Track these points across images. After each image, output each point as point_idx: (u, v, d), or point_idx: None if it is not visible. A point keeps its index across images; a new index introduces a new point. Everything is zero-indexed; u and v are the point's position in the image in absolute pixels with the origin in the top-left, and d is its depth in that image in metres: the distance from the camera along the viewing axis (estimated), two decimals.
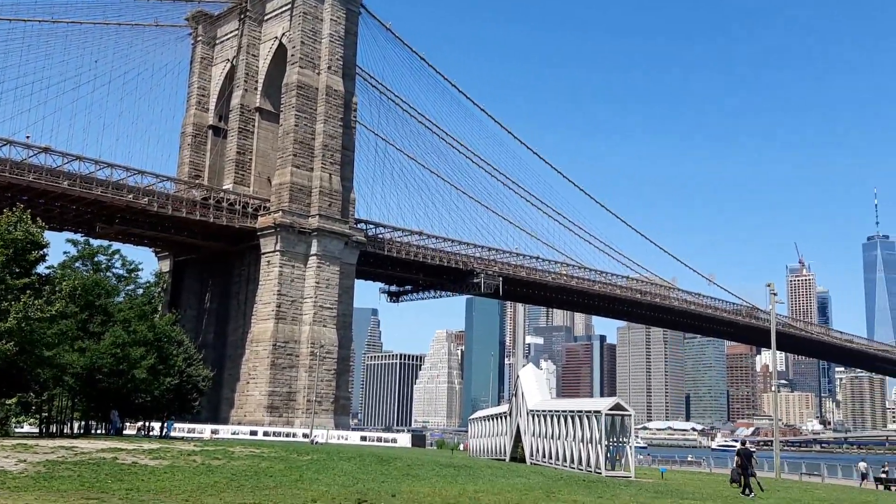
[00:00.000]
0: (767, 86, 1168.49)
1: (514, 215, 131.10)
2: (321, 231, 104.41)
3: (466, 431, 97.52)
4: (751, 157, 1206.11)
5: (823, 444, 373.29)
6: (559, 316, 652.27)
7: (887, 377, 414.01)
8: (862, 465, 64.10)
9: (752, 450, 42.98)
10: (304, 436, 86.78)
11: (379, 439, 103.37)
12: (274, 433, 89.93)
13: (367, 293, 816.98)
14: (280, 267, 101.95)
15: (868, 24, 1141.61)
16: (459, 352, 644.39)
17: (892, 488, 50.71)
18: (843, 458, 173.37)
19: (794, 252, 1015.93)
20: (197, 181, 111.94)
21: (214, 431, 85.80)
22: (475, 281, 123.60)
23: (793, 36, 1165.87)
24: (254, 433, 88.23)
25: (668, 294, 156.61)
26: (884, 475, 56.04)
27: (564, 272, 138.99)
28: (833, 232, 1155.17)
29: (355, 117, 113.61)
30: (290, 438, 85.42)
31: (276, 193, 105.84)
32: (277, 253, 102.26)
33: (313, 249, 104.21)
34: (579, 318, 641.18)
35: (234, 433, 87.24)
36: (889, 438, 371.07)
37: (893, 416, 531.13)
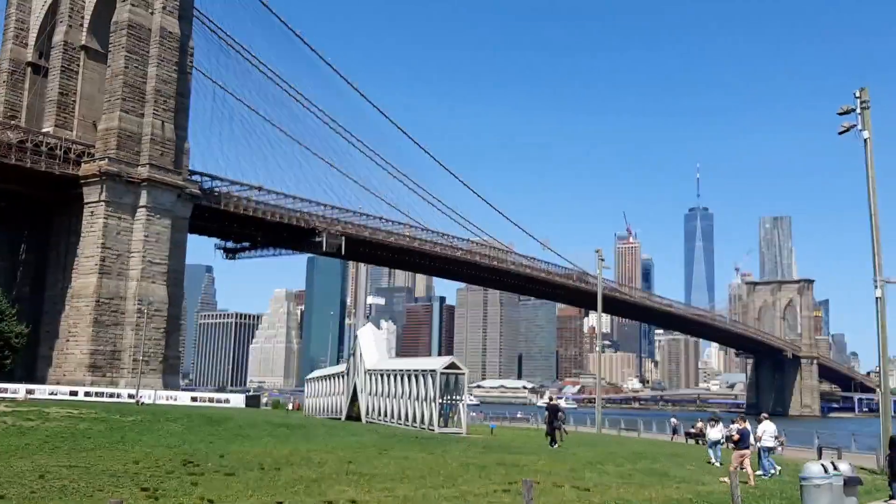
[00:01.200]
0: (603, 59, 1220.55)
1: (358, 174, 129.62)
2: (151, 181, 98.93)
3: (304, 391, 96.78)
4: (585, 128, 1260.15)
5: (642, 402, 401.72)
6: (401, 277, 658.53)
7: (701, 340, 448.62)
8: (673, 420, 69.05)
9: (559, 405, 45.99)
10: (130, 396, 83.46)
11: (211, 400, 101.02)
12: (96, 393, 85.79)
13: (202, 249, 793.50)
14: (105, 218, 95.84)
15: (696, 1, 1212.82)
16: (299, 311, 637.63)
17: (699, 442, 54.85)
18: (659, 414, 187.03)
19: (622, 221, 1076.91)
20: (13, 122, 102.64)
21: (30, 391, 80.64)
22: (317, 240, 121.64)
23: (626, 11, 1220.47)
24: (74, 393, 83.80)
25: (505, 258, 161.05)
26: (693, 430, 60.49)
27: (408, 233, 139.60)
28: (658, 203, 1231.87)
29: (191, 62, 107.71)
30: (114, 399, 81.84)
31: (103, 139, 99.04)
32: (102, 203, 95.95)
33: (142, 201, 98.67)
34: (421, 279, 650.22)
35: (52, 393, 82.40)
36: (700, 396, 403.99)
37: (705, 376, 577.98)
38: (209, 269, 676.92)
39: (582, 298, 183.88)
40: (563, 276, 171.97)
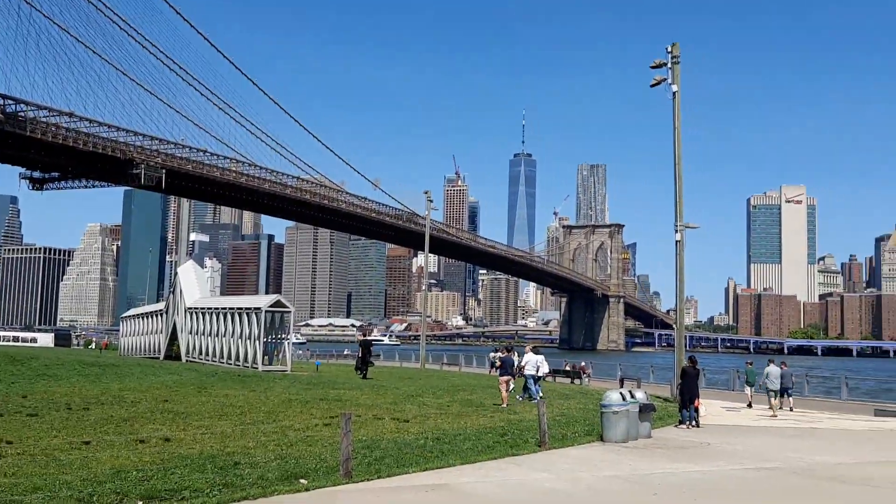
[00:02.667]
0: (435, 4, 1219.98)
1: (181, 104, 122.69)
2: None
3: (119, 330, 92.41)
4: (419, 70, 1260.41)
5: (465, 338, 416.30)
6: (227, 213, 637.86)
7: (521, 279, 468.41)
8: (492, 355, 72.09)
9: (370, 341, 50.18)
10: None
11: (16, 339, 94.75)
12: None
13: (6, 179, 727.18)
14: None
15: None
16: (115, 247, 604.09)
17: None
18: (480, 349, 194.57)
19: (451, 164, 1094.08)
20: None
21: None
22: (134, 172, 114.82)
23: None
24: None
25: (336, 196, 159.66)
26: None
27: (235, 168, 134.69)
28: (486, 148, 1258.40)
29: None
30: None
31: None
32: None
33: None
34: (248, 216, 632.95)
35: None
36: (518, 332, 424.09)
37: (523, 314, 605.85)
38: (14, 199, 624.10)
39: (411, 239, 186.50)
40: (393, 217, 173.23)
